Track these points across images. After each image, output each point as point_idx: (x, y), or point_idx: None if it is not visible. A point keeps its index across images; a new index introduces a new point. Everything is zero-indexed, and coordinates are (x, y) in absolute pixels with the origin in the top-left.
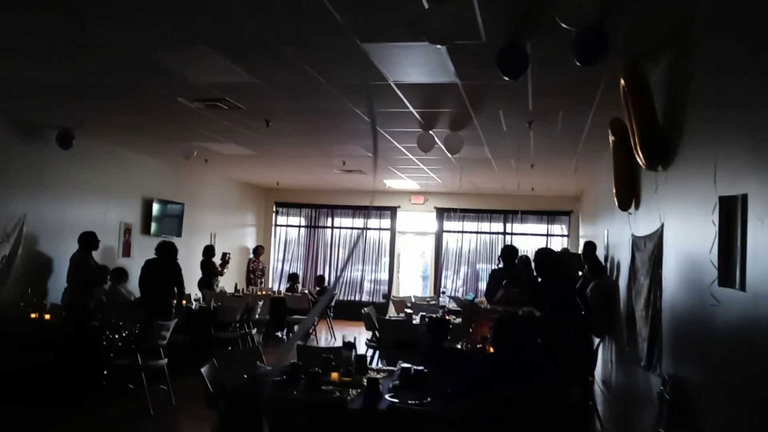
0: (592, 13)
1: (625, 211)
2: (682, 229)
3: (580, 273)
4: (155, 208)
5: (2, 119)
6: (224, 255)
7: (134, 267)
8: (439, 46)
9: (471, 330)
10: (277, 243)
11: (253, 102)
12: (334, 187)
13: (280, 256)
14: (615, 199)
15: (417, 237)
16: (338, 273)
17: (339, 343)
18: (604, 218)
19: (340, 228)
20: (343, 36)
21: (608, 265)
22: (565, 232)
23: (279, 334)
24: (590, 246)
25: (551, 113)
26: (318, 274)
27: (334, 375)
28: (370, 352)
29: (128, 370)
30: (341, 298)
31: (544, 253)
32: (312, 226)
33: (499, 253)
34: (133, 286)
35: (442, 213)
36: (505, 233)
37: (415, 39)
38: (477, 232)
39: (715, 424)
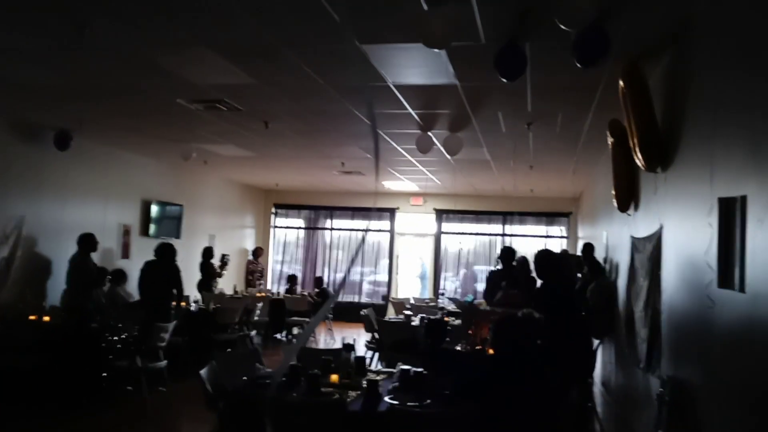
0: (591, 14)
1: (624, 213)
2: (681, 230)
3: (579, 275)
4: (154, 209)
5: (1, 120)
6: (223, 257)
7: (133, 268)
8: None
9: (470, 331)
10: (276, 244)
11: (252, 103)
12: (333, 189)
13: (279, 258)
14: (614, 200)
15: (416, 239)
16: (344, 275)
17: (338, 345)
18: (603, 220)
19: (340, 230)
20: (342, 37)
21: (607, 266)
22: (564, 234)
23: (278, 335)
24: (588, 247)
25: (550, 115)
26: (317, 275)
27: (334, 377)
28: (370, 353)
29: (127, 372)
30: (341, 299)
31: (543, 255)
32: (311, 228)
33: (498, 255)
34: (132, 287)
35: (441, 214)
36: (504, 235)
37: (414, 40)
38: (476, 234)
39: (715, 426)
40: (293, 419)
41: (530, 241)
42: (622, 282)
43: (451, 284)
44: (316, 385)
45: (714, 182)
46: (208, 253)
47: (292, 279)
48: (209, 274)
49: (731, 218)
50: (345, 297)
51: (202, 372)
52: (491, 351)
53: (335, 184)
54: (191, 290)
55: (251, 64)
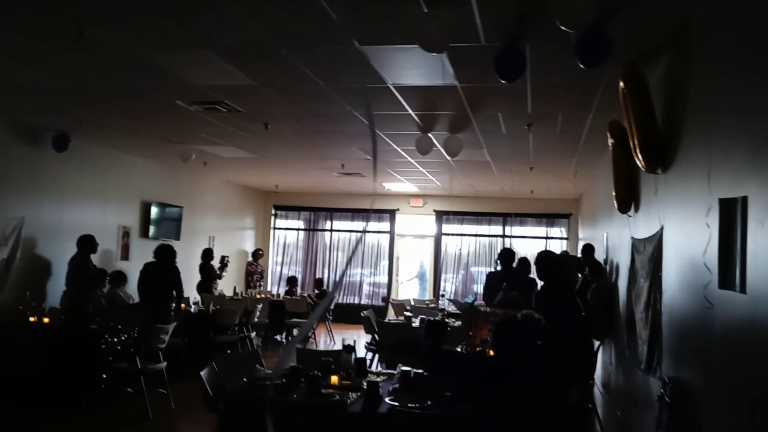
0: (591, 15)
1: (624, 214)
2: (681, 231)
3: (580, 275)
4: (154, 211)
5: (1, 122)
6: (223, 258)
7: (133, 270)
8: None
9: (470, 333)
10: (276, 246)
11: (252, 105)
12: (333, 190)
13: (279, 259)
14: (614, 201)
15: (416, 240)
16: (338, 277)
17: (338, 347)
18: (604, 221)
19: (339, 231)
20: (342, 39)
21: (608, 267)
22: (565, 235)
23: (278, 337)
24: (589, 248)
25: (550, 116)
26: (317, 277)
27: (334, 378)
28: (370, 355)
29: (127, 374)
30: (340, 301)
31: (544, 256)
32: (311, 229)
33: (497, 256)
34: (132, 289)
35: (441, 216)
36: (504, 236)
37: (414, 41)
38: (476, 235)
39: (716, 427)
40: (293, 420)
41: (531, 242)
42: (622, 283)
43: (450, 285)
44: (316, 386)
45: (714, 183)
46: (207, 254)
47: (292, 281)
48: (209, 275)
49: (732, 219)
50: (345, 299)
51: (202, 373)
52: (491, 352)
53: (335, 185)
54: (191, 292)
55: (251, 66)
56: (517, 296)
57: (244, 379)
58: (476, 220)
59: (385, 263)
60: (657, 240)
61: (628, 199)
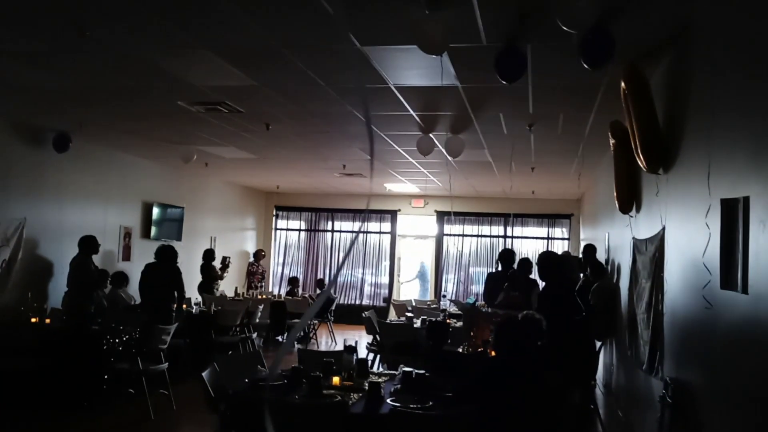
0: (592, 16)
1: (626, 214)
2: (683, 232)
3: (582, 275)
4: (155, 211)
5: (2, 123)
6: (224, 259)
7: (134, 271)
8: None
9: (472, 333)
10: (277, 247)
11: (253, 105)
12: (335, 191)
13: (281, 260)
14: (616, 202)
15: (418, 241)
16: (333, 276)
17: (340, 347)
18: (605, 221)
19: (341, 231)
20: (343, 39)
21: (609, 268)
22: (566, 236)
23: (279, 338)
24: (590, 249)
25: (552, 116)
26: (318, 277)
27: (336, 379)
28: (371, 355)
29: (128, 375)
30: (342, 301)
31: (546, 257)
32: (312, 230)
33: (497, 257)
34: (134, 290)
35: (443, 216)
36: (505, 236)
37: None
38: (477, 236)
39: (718, 428)
40: (295, 421)
41: (532, 242)
42: (624, 283)
43: (451, 286)
44: (318, 387)
45: (716, 183)
46: (209, 255)
47: (293, 281)
48: (210, 276)
49: (733, 219)
50: (346, 299)
51: (204, 374)
52: (493, 353)
53: (336, 186)
54: (192, 292)
55: (252, 67)
56: (518, 297)
57: (246, 380)
58: (477, 220)
59: (386, 264)
60: (658, 240)
61: (629, 200)
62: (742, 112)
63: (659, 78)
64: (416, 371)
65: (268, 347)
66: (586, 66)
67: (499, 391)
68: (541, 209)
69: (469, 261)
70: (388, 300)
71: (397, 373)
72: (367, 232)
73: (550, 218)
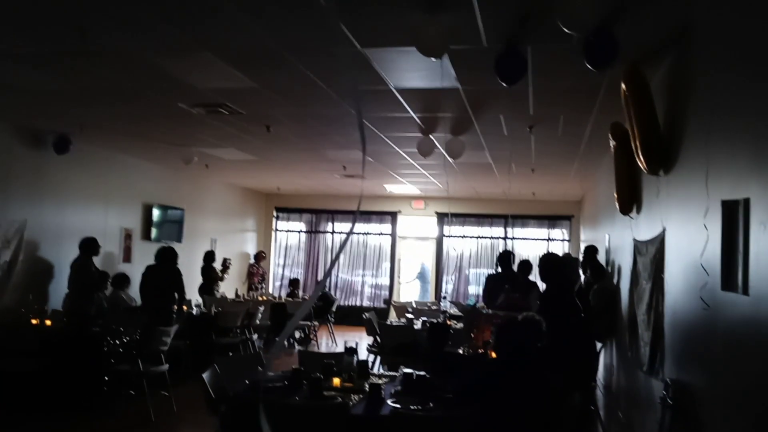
0: (593, 17)
1: (626, 216)
2: (684, 233)
3: (583, 276)
4: (156, 213)
5: (3, 125)
6: (225, 260)
7: (135, 272)
8: None
9: (472, 335)
10: (278, 248)
11: (254, 107)
12: (335, 192)
13: (281, 261)
14: (616, 203)
15: (418, 242)
16: (325, 273)
17: (340, 349)
18: (606, 222)
19: (341, 233)
20: (344, 41)
21: (609, 269)
22: (566, 237)
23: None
24: (591, 250)
25: (552, 118)
26: (318, 279)
27: (336, 381)
28: (372, 357)
29: (129, 376)
30: (342, 303)
31: (547, 259)
32: (312, 231)
33: (496, 258)
34: (135, 291)
35: (443, 218)
36: (506, 238)
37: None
38: (478, 237)
39: (718, 429)
40: (296, 423)
41: (532, 244)
42: (624, 285)
43: (451, 287)
44: (318, 388)
45: (716, 185)
46: (209, 256)
47: (294, 283)
48: (211, 278)
49: (734, 221)
50: (347, 301)
51: (204, 376)
52: (493, 354)
53: (337, 187)
54: (193, 294)
55: (253, 69)
56: (518, 298)
57: (246, 382)
58: (478, 221)
59: (386, 265)
60: (659, 242)
61: (629, 201)
62: (743, 114)
63: (660, 79)
64: (417, 373)
65: (269, 349)
66: (590, 67)
67: (499, 392)
68: (541, 211)
69: (469, 262)
70: (388, 301)
71: (397, 374)
72: (367, 234)
73: (551, 220)
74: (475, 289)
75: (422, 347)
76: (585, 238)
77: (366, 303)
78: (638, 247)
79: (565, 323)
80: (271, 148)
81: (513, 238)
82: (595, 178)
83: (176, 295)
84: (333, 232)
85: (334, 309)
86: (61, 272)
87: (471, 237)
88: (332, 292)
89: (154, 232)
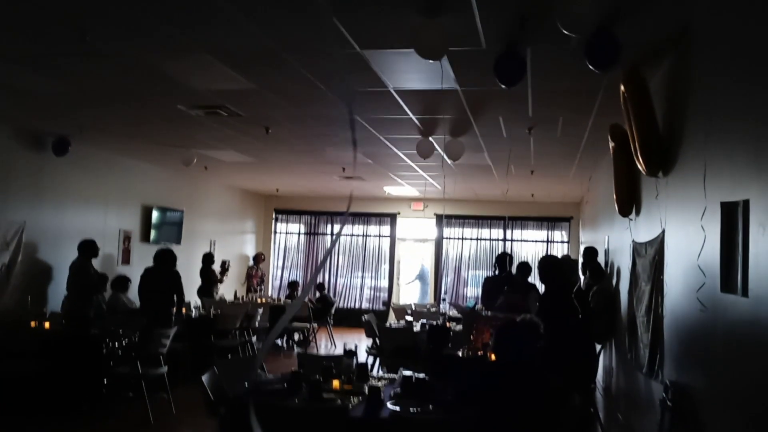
0: (593, 19)
1: (625, 217)
2: (683, 235)
3: (582, 277)
4: (155, 215)
5: (2, 127)
6: (224, 263)
7: (134, 274)
8: None
9: (472, 337)
10: (277, 250)
11: (253, 109)
12: (334, 194)
13: (280, 263)
14: (615, 205)
15: (417, 244)
16: (314, 274)
17: (340, 351)
18: (605, 224)
19: (340, 235)
20: (343, 43)
21: (609, 270)
22: (566, 239)
23: (278, 341)
24: (591, 251)
25: (551, 119)
26: (318, 281)
27: (336, 383)
28: (371, 359)
29: (128, 379)
30: (341, 305)
31: (547, 261)
32: (312, 233)
33: (494, 260)
34: (133, 294)
35: (442, 219)
36: (505, 240)
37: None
38: (477, 239)
39: (718, 431)
40: (295, 426)
41: (532, 245)
42: (623, 286)
43: (450, 289)
44: (317, 391)
45: (715, 187)
46: (208, 258)
47: (293, 285)
48: (210, 280)
49: (733, 222)
50: (346, 303)
51: (203, 378)
52: (493, 356)
53: (336, 189)
54: (192, 296)
55: (252, 70)
56: (518, 300)
57: (246, 384)
58: (477, 223)
59: (386, 267)
60: (658, 243)
61: (629, 203)
62: (742, 116)
63: (659, 81)
64: (416, 375)
65: (264, 350)
66: (592, 68)
67: (499, 394)
68: (540, 212)
69: (468, 264)
70: (387, 303)
71: (396, 377)
72: (366, 236)
73: (550, 221)
74: (473, 291)
75: (422, 349)
76: (584, 240)
77: (365, 305)
78: (637, 248)
79: (564, 325)
80: (270, 149)
81: (512, 240)
82: (594, 179)
83: (175, 297)
84: (332, 234)
85: (333, 311)
86: (60, 274)
87: (470, 239)
88: (331, 294)
89: (153, 233)
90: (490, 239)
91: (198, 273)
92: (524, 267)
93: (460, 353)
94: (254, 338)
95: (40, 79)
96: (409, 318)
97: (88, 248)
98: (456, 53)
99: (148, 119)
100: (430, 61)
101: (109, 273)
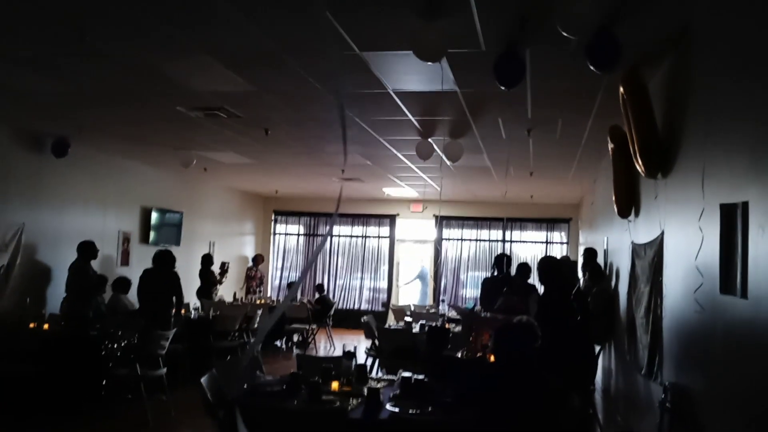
0: (592, 21)
1: (624, 219)
2: (682, 236)
3: (582, 278)
4: (154, 216)
5: (2, 128)
6: (223, 264)
7: (133, 276)
8: None
9: (471, 338)
10: (276, 251)
11: (252, 111)
12: (333, 195)
13: (279, 265)
14: (614, 206)
15: (416, 245)
16: (300, 275)
17: (339, 352)
18: (604, 225)
19: (339, 236)
20: (342, 44)
21: (608, 272)
22: (565, 240)
23: (278, 343)
24: (591, 252)
25: (550, 121)
26: (317, 282)
27: (335, 385)
28: (370, 360)
29: (127, 380)
30: (340, 306)
31: (545, 262)
32: (311, 234)
33: (493, 262)
34: (133, 295)
35: (442, 221)
36: (504, 241)
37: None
38: (476, 240)
39: None
40: (294, 427)
41: (531, 247)
42: (623, 288)
43: (449, 289)
44: (316, 392)
45: (714, 189)
46: (207, 260)
47: (292, 286)
48: (209, 281)
49: (733, 224)
50: (345, 304)
51: (203, 380)
52: (492, 358)
53: (335, 190)
54: (191, 297)
55: (252, 72)
56: (517, 301)
57: (245, 386)
58: (476, 224)
59: (385, 268)
60: (657, 245)
61: (628, 204)
62: (741, 117)
63: (658, 82)
64: (415, 376)
65: (267, 352)
66: (593, 69)
67: (498, 396)
68: (539, 213)
69: (468, 265)
70: (386, 305)
71: (396, 378)
72: (366, 237)
73: (549, 222)
74: (472, 292)
75: (421, 351)
76: (583, 241)
77: (364, 306)
78: (636, 250)
79: (563, 326)
80: (270, 151)
81: (511, 241)
82: (594, 181)
83: (174, 298)
84: (331, 235)
85: (332, 312)
86: (59, 276)
87: (469, 240)
88: (330, 296)
89: (152, 235)
90: (489, 240)
91: (197, 274)
92: (524, 268)
93: (459, 354)
94: (253, 340)
95: (39, 80)
96: (408, 319)
97: (87, 250)
98: (455, 55)
99: (147, 120)
100: (429, 63)
101: (108, 274)
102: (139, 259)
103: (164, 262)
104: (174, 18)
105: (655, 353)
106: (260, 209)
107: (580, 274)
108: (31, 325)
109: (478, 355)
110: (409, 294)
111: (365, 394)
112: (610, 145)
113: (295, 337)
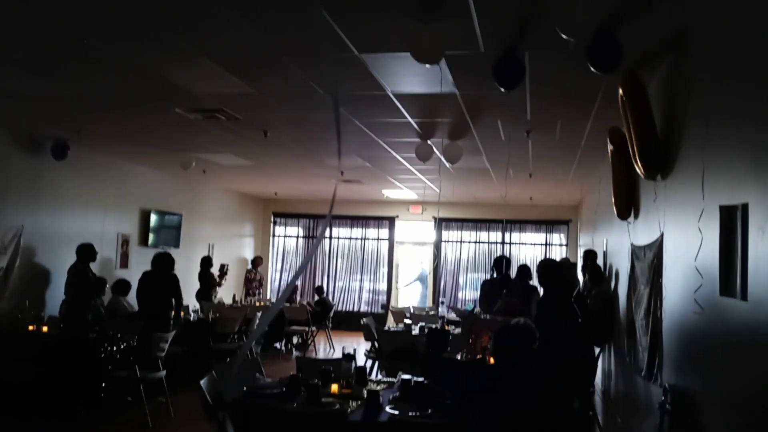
0: (591, 23)
1: (624, 221)
2: (681, 238)
3: (581, 279)
4: (153, 219)
5: (1, 130)
6: (222, 266)
7: (132, 278)
8: None
9: (471, 340)
10: (276, 253)
11: (251, 113)
12: None
13: (278, 267)
14: (614, 208)
15: (416, 247)
16: (293, 277)
17: (338, 355)
18: (604, 227)
19: (339, 238)
20: (341, 46)
21: (607, 273)
22: (564, 242)
23: (277, 345)
24: (591, 254)
25: (550, 123)
26: (317, 284)
27: (334, 387)
28: (369, 362)
29: (126, 383)
30: (340, 308)
31: (545, 264)
32: (310, 237)
33: (492, 263)
34: (133, 298)
35: (441, 223)
36: (503, 243)
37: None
38: (476, 242)
39: None
40: (293, 430)
41: (530, 248)
42: (622, 289)
43: (449, 291)
44: (316, 395)
45: (714, 190)
46: (207, 262)
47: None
48: (208, 283)
49: (732, 226)
50: (345, 306)
51: (202, 382)
52: (492, 360)
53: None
54: (190, 300)
55: (251, 74)
56: (516, 303)
57: (244, 388)
58: (475, 226)
59: (384, 270)
60: (657, 247)
61: (627, 206)
62: (741, 119)
63: (657, 84)
64: (415, 379)
65: (267, 355)
66: (594, 70)
67: (498, 398)
68: (539, 215)
69: (467, 267)
70: (386, 307)
71: (395, 380)
72: (325, 237)
73: (548, 224)
74: (472, 294)
75: (420, 353)
76: (583, 243)
77: (364, 308)
78: (636, 251)
79: (563, 328)
80: (269, 153)
81: (511, 243)
82: (593, 182)
83: (173, 300)
84: (331, 237)
85: (331, 314)
86: (58, 278)
87: (469, 242)
88: (330, 297)
89: (151, 237)
90: (488, 242)
91: (196, 277)
92: (524, 270)
93: (458, 356)
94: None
95: (38, 83)
96: (407, 321)
97: (87, 252)
98: (454, 57)
99: (146, 123)
100: (427, 65)
101: (107, 277)
102: (139, 262)
103: (163, 264)
104: (172, 20)
105: (655, 355)
106: (259, 211)
107: (580, 275)
108: (31, 328)
109: (478, 357)
110: (409, 296)
111: (365, 396)
112: (610, 147)
113: (295, 339)
